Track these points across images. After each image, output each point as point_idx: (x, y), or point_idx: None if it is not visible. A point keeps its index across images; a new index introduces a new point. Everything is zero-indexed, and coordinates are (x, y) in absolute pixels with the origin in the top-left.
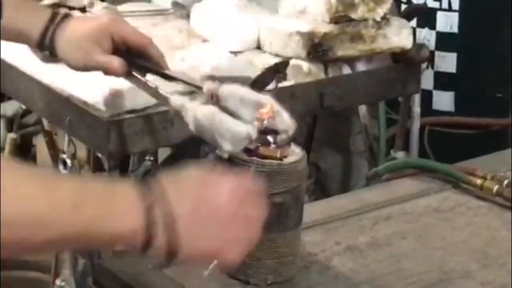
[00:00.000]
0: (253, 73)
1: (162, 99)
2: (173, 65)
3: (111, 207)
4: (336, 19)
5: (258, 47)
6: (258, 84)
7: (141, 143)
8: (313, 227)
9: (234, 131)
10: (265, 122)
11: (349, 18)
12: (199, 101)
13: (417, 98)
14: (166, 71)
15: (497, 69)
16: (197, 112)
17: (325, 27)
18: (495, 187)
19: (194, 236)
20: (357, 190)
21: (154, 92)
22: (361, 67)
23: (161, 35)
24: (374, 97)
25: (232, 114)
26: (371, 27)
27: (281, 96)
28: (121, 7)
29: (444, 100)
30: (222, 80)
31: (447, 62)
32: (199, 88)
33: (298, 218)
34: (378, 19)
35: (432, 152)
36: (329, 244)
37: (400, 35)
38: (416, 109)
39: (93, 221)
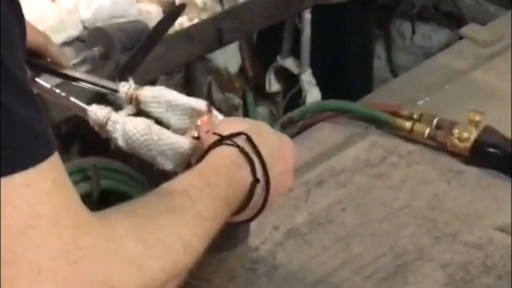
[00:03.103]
0: (138, 12)
1: (78, 110)
2: (42, 7)
3: (232, 199)
4: None
5: None
6: (158, 31)
7: None
8: None
9: (177, 147)
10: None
11: None
12: (126, 111)
13: None
14: (70, 72)
15: None
16: (126, 125)
17: None
18: (427, 131)
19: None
20: None
21: (66, 101)
22: None
23: None
24: (272, 20)
25: (156, 120)
26: None
27: (178, 41)
28: None
29: None
30: (110, 29)
31: None
32: (114, 90)
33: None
34: None
35: None
36: (268, 230)
37: None
38: (307, 15)
39: (225, 220)
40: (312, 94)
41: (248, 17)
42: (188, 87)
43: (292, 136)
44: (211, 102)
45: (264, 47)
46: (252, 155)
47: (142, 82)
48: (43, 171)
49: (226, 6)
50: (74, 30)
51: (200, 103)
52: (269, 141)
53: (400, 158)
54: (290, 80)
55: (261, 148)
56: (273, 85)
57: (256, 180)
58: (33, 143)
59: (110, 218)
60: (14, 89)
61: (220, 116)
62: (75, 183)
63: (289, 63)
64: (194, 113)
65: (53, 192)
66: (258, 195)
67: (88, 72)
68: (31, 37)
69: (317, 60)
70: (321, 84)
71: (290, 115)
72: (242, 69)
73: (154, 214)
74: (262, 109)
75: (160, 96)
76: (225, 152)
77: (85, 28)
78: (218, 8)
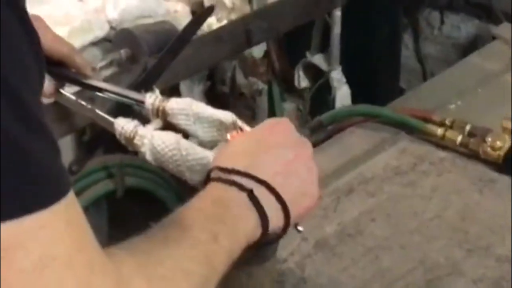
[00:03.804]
0: (165, 12)
1: (105, 123)
2: (69, 6)
3: (229, 218)
4: None
5: None
6: (186, 33)
7: None
8: None
9: (206, 162)
10: None
11: None
12: (153, 125)
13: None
14: (96, 82)
15: None
16: (154, 139)
17: None
18: (459, 138)
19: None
20: None
21: (92, 113)
22: None
23: None
24: (301, 19)
25: (183, 132)
26: None
27: (207, 42)
28: None
29: None
30: (138, 31)
31: None
32: (140, 102)
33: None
34: None
35: None
36: (296, 242)
37: None
38: (337, 12)
39: (230, 240)
40: (342, 92)
41: (277, 17)
42: (212, 72)
43: (321, 141)
44: (235, 86)
45: (293, 43)
46: (226, 176)
47: (169, 84)
48: (57, 212)
49: (255, 7)
50: (100, 31)
51: (227, 116)
52: (240, 146)
53: (431, 165)
54: (319, 75)
55: (232, 161)
56: (302, 81)
57: (250, 192)
58: (48, 183)
59: (117, 256)
60: (30, 126)
61: (247, 128)
62: (99, 180)
63: (318, 59)
64: (222, 126)
65: (67, 232)
66: (269, 201)
67: (115, 75)
68: (56, 48)
69: (343, 50)
70: (347, 75)
71: (319, 119)
72: (267, 55)
73: (153, 249)
74: (289, 105)
75: (188, 108)
76: (210, 186)
77: (112, 28)
78: (247, 9)
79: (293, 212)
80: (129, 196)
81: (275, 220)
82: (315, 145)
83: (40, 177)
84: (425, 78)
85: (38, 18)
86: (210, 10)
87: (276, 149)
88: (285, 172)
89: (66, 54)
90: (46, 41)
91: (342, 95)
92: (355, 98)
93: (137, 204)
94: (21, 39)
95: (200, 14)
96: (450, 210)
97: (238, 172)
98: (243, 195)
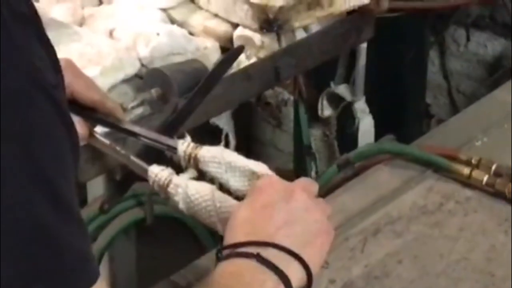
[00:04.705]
0: (195, 48)
1: (138, 169)
2: (101, 44)
3: (243, 286)
4: None
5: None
6: (216, 73)
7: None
8: None
9: None
10: None
11: None
12: (188, 174)
13: None
14: (129, 127)
15: None
16: (188, 189)
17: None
18: (485, 178)
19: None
20: (335, 192)
21: (126, 159)
22: (315, 26)
23: None
24: (329, 54)
25: (214, 180)
26: None
27: (236, 80)
28: None
29: None
30: (168, 70)
31: None
32: (172, 148)
33: None
34: None
35: None
36: (324, 285)
37: None
38: (363, 44)
39: None
40: (365, 122)
41: (305, 53)
42: None
43: (349, 178)
44: (261, 96)
45: (318, 72)
46: (232, 251)
47: (199, 123)
48: None
49: (284, 44)
50: (131, 68)
51: (260, 167)
52: (238, 218)
53: (458, 204)
54: (343, 104)
55: (234, 236)
56: (325, 109)
57: (257, 256)
58: (81, 271)
59: None
60: (64, 215)
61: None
62: (129, 208)
63: (342, 89)
64: (254, 176)
65: None
66: (280, 258)
67: (146, 114)
68: (87, 95)
69: (370, 72)
70: (373, 96)
71: (346, 157)
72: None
73: None
74: (316, 131)
75: (220, 156)
76: (219, 265)
77: (142, 65)
78: (275, 46)
79: (310, 257)
80: (158, 224)
81: (294, 273)
82: (342, 182)
83: (74, 265)
84: (450, 94)
85: (69, 63)
86: (240, 50)
87: (269, 206)
88: (286, 223)
89: (98, 100)
90: (77, 89)
91: (365, 125)
92: (382, 121)
93: (166, 232)
94: (57, 127)
95: (230, 54)
96: (476, 252)
97: (241, 244)
98: (252, 262)
